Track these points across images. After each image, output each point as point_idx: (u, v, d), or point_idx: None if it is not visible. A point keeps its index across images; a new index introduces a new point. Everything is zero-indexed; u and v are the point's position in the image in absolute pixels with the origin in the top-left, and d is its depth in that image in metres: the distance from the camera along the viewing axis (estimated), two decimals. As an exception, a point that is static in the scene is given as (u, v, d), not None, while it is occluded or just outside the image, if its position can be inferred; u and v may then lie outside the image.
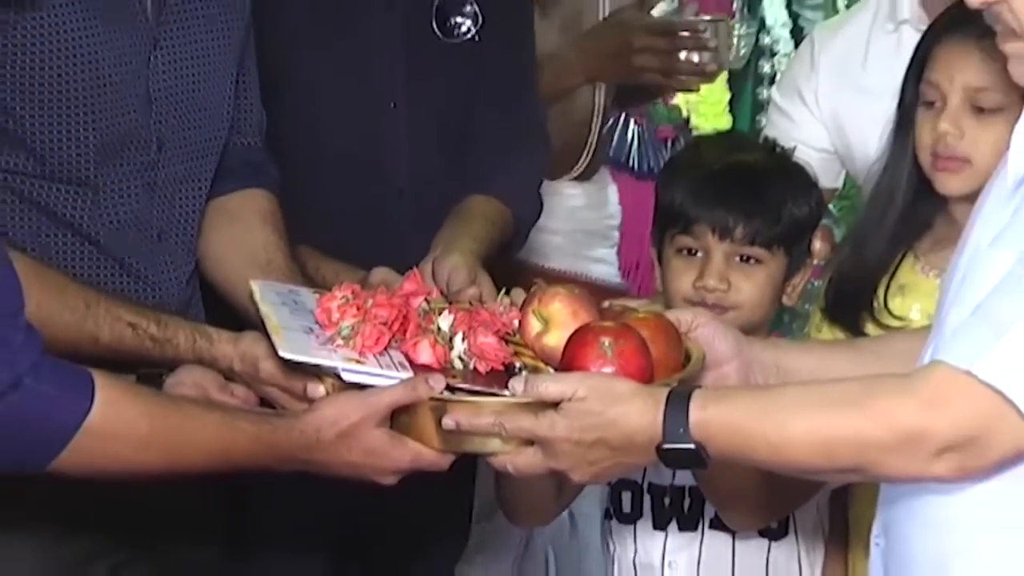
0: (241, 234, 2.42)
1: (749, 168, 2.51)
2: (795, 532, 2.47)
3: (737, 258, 2.43)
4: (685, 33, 3.19)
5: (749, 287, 2.44)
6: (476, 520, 3.04)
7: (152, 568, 2.37)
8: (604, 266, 3.55)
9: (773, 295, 2.48)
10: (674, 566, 2.51)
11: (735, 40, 3.35)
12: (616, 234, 3.60)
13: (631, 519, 2.51)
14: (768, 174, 2.50)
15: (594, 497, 2.54)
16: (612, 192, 3.61)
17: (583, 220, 3.49)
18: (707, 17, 3.30)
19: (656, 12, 3.31)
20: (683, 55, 3.19)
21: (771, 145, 2.73)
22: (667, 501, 2.48)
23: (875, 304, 2.42)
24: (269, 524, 2.59)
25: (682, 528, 2.49)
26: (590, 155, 3.41)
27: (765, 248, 2.44)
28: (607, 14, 3.28)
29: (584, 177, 3.46)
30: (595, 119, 3.40)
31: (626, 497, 2.46)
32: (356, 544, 2.75)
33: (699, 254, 2.45)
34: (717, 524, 2.46)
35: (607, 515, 2.54)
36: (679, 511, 2.49)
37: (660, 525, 2.50)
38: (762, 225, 2.43)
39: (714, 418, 1.81)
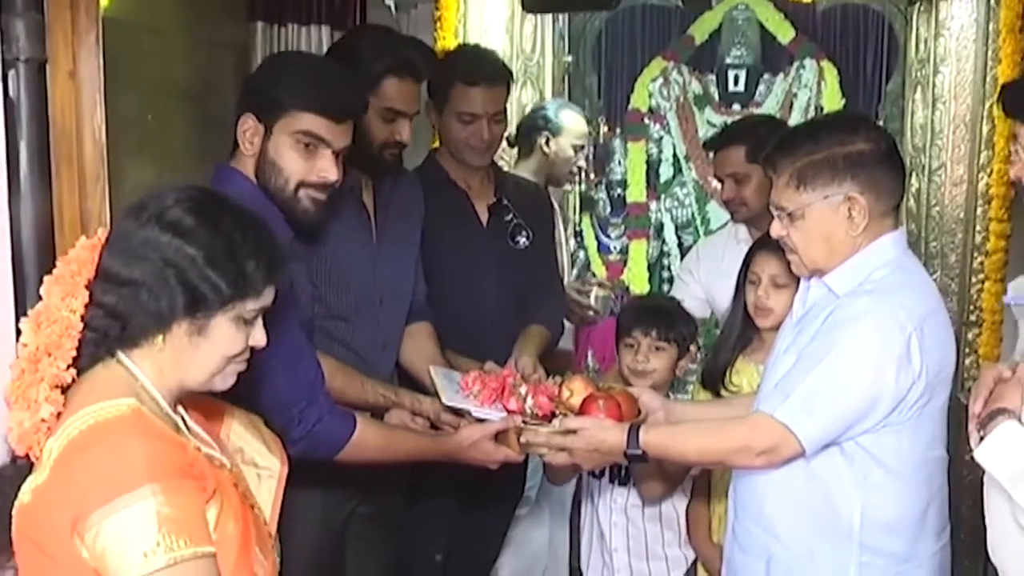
0: (418, 345, 2.40)
1: (659, 306, 2.55)
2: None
3: (654, 348, 2.43)
4: (588, 303, 3.24)
5: (659, 363, 2.43)
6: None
7: (374, 504, 2.36)
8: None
9: (671, 368, 2.45)
10: (617, 502, 2.49)
11: (613, 298, 3.32)
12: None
13: (598, 477, 2.52)
14: (667, 309, 2.54)
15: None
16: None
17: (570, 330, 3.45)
18: (602, 294, 3.27)
19: (594, 293, 3.26)
20: (590, 312, 3.24)
21: (670, 297, 2.75)
22: (616, 469, 2.47)
23: (724, 381, 2.38)
24: (426, 484, 2.55)
25: (622, 483, 2.48)
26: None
27: (666, 342, 2.43)
28: None
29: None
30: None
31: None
32: (470, 494, 2.66)
33: (634, 346, 2.43)
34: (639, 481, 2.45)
35: (585, 475, 2.54)
36: (620, 473, 2.49)
37: (612, 480, 2.50)
38: (665, 330, 2.43)
39: (651, 439, 1.86)
